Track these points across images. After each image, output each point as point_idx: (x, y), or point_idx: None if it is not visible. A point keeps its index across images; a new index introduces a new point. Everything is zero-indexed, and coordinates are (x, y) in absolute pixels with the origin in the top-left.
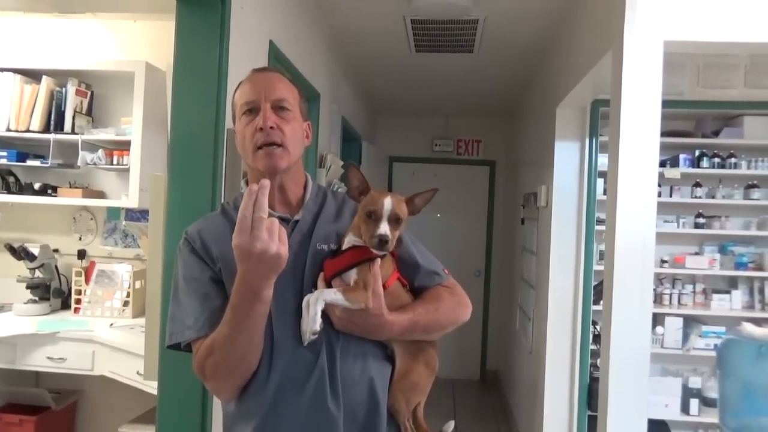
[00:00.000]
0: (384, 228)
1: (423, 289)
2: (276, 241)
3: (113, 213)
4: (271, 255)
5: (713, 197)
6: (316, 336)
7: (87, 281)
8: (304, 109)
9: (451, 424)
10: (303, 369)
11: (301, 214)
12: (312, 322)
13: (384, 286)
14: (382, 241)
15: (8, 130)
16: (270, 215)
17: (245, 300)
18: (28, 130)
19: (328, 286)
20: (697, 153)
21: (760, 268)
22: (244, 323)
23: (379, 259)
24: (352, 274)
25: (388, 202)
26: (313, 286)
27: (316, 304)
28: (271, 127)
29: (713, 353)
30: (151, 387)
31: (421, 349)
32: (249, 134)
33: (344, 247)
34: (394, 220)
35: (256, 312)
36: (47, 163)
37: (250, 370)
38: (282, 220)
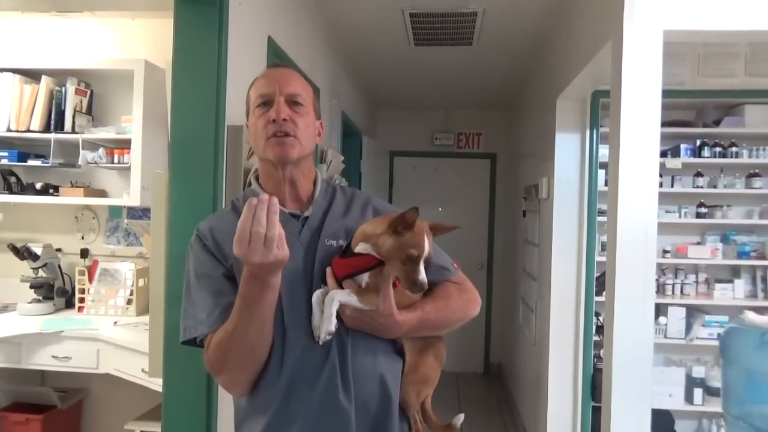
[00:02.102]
0: (423, 273)
1: (432, 284)
2: (273, 251)
3: (115, 211)
4: (269, 262)
5: (715, 187)
6: (331, 336)
7: (90, 280)
8: (317, 107)
9: (461, 417)
10: (314, 364)
11: (311, 210)
12: (327, 323)
13: (393, 284)
14: (423, 287)
15: (9, 130)
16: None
17: (254, 288)
18: (28, 130)
19: (339, 285)
20: (698, 142)
21: (762, 257)
22: (254, 311)
23: None
24: (365, 277)
25: (427, 246)
26: (323, 283)
27: (331, 305)
28: (284, 119)
29: (716, 343)
30: (156, 384)
31: (430, 342)
32: (261, 126)
33: (356, 250)
34: (426, 260)
35: (265, 299)
36: (48, 163)
37: (260, 361)
38: (292, 216)
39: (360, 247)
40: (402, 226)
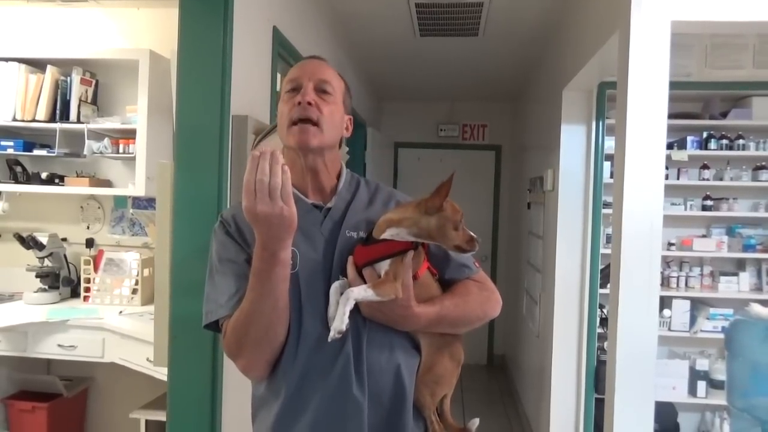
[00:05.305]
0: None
1: (452, 281)
2: (278, 203)
3: (120, 201)
4: (276, 215)
5: (721, 179)
6: (341, 335)
7: (96, 270)
8: (348, 102)
9: (476, 421)
10: (329, 354)
11: (334, 202)
12: (339, 321)
13: (414, 277)
14: (477, 239)
15: (14, 119)
16: (302, 201)
17: (264, 262)
18: (34, 120)
19: (359, 272)
20: (704, 135)
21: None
22: (267, 287)
23: (412, 251)
24: (385, 265)
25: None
26: (342, 273)
27: (346, 303)
28: (309, 103)
29: (720, 336)
30: (161, 373)
31: (447, 342)
32: (287, 110)
33: (383, 236)
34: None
35: (276, 275)
36: (54, 153)
37: (276, 343)
38: (314, 207)
39: (389, 233)
40: (440, 198)
